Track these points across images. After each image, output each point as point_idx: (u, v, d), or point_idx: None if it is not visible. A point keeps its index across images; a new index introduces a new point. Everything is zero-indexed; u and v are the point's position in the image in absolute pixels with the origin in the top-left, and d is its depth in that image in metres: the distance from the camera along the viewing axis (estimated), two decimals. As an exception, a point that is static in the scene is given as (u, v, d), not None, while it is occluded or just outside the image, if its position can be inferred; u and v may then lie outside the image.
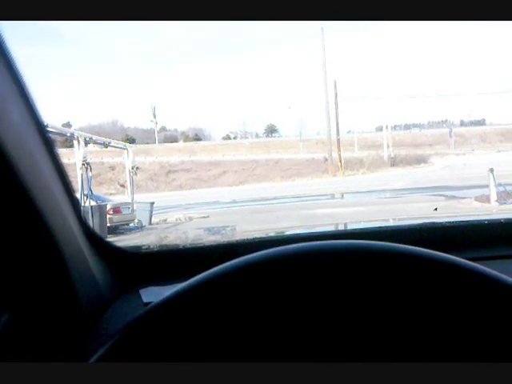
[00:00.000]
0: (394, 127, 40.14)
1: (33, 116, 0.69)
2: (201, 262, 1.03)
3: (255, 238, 1.18)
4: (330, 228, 1.90)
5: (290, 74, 79.45)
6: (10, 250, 0.68)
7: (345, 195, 16.35)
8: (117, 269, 1.01)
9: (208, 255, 1.08)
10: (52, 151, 0.74)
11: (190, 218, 11.84)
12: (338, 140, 28.17)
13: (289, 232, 1.85)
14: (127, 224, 10.88)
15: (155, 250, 1.11)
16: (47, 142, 0.73)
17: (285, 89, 77.05)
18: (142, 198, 13.61)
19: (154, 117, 40.94)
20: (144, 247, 1.11)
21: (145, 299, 0.95)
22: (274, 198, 15.96)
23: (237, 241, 1.15)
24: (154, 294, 0.96)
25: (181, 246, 1.13)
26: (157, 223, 11.36)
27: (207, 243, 1.13)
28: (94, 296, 0.86)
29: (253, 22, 69.97)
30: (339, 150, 27.56)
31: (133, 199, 11.80)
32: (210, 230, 1.22)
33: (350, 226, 1.81)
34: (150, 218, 11.35)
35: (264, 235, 1.35)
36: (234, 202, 16.39)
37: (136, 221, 11.07)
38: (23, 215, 0.66)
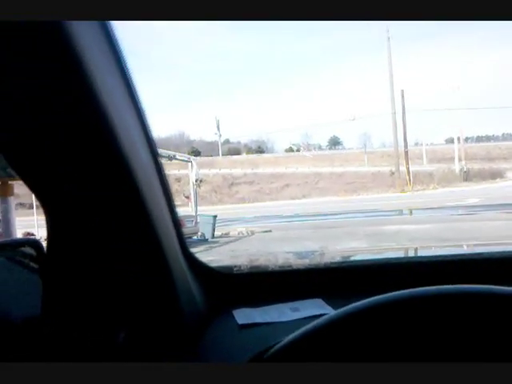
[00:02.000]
0: (466, 139, 38.17)
1: (147, 137, 0.73)
2: (290, 285, 1.10)
3: (343, 263, 1.20)
4: (411, 254, 1.79)
5: (355, 84, 78.45)
6: (130, 273, 0.74)
7: (414, 211, 15.65)
8: (211, 289, 1.04)
9: (297, 279, 1.12)
10: (162, 174, 0.78)
11: (252, 232, 11.78)
12: (406, 152, 27.12)
13: (376, 256, 1.75)
14: (190, 237, 10.95)
15: (245, 271, 1.13)
16: (158, 164, 0.77)
17: (349, 100, 76.07)
18: (206, 210, 13.73)
19: (218, 129, 41.88)
20: (235, 268, 1.13)
21: (239, 321, 0.95)
22: (338, 213, 15.57)
23: (325, 265, 1.15)
24: (246, 316, 0.97)
25: (270, 269, 1.14)
26: (219, 236, 11.37)
27: (295, 267, 1.15)
28: (195, 316, 0.89)
29: (315, 35, 69.94)
30: (407, 163, 26.51)
31: (196, 212, 11.91)
32: (298, 254, 1.35)
33: (429, 253, 1.76)
34: (213, 231, 11.39)
35: (350, 260, 1.35)
36: (297, 215, 16.17)
37: (199, 234, 11.13)
38: (144, 241, 0.72)
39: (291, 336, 0.65)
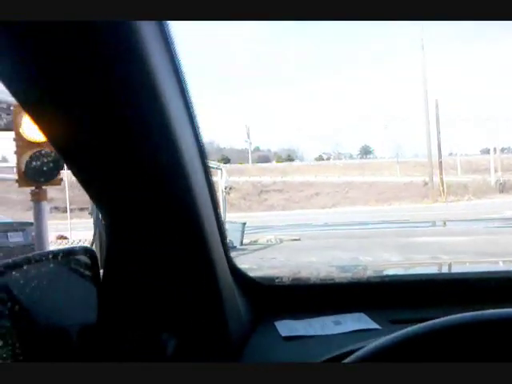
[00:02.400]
0: (502, 150, 37.04)
1: (199, 145, 0.74)
2: (331, 298, 1.09)
3: (384, 278, 1.20)
4: (443, 270, 1.71)
5: (387, 93, 77.56)
6: (181, 283, 0.77)
7: (448, 223, 15.23)
8: (253, 299, 1.05)
9: (338, 293, 1.11)
10: (211, 183, 0.79)
11: (281, 240, 11.71)
12: (440, 163, 26.49)
13: (416, 271, 1.72)
14: (219, 244, 10.94)
15: (287, 283, 1.13)
16: (208, 173, 0.78)
17: (380, 109, 75.23)
18: (235, 217, 13.74)
19: (248, 137, 42.04)
20: (277, 280, 1.13)
21: (282, 333, 0.95)
22: (369, 223, 15.30)
23: (367, 279, 1.15)
24: (289, 328, 0.96)
25: (312, 282, 1.14)
26: (248, 244, 11.33)
27: (338, 280, 1.15)
28: (239, 326, 0.89)
29: (345, 41, 69.63)
30: (441, 174, 25.88)
31: (225, 219, 11.91)
32: (341, 268, 1.39)
33: (462, 269, 1.72)
34: (242, 239, 11.36)
35: (392, 275, 1.33)
36: (326, 225, 15.98)
37: (227, 241, 11.11)
38: (195, 251, 0.75)
39: (377, 342, 0.60)
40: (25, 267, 0.67)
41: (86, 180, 0.67)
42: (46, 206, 4.53)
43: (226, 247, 0.92)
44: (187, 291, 0.78)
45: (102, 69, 0.53)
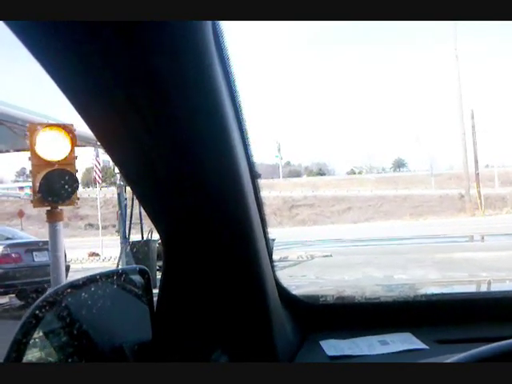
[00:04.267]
0: (543, 161, 35.62)
1: (248, 157, 0.74)
2: (376, 317, 1.08)
3: (429, 296, 1.18)
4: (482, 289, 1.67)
5: (419, 104, 76.39)
6: (231, 298, 0.79)
7: (485, 238, 14.73)
8: (297, 317, 1.04)
9: (384, 312, 1.10)
10: (261, 203, 0.80)
11: (312, 256, 11.52)
12: (477, 175, 25.71)
13: (456, 289, 1.65)
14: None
15: (331, 302, 1.13)
16: (257, 191, 0.78)
17: (413, 121, 74.09)
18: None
19: (279, 152, 42.10)
20: (321, 298, 1.13)
21: (328, 352, 0.94)
22: (404, 238, 14.93)
23: (413, 298, 1.14)
24: (335, 347, 0.96)
25: (356, 300, 1.13)
26: (278, 260, 11.18)
27: (383, 299, 1.14)
28: (285, 344, 0.90)
29: (378, 53, 69.18)
30: (478, 186, 25.08)
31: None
32: (387, 287, 1.38)
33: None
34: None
35: (436, 293, 1.31)
36: (359, 240, 15.65)
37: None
38: (247, 270, 0.76)
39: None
40: (82, 287, 0.70)
41: (145, 197, 0.69)
42: (61, 227, 4.38)
43: (273, 265, 0.93)
44: (238, 308, 0.80)
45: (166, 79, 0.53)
